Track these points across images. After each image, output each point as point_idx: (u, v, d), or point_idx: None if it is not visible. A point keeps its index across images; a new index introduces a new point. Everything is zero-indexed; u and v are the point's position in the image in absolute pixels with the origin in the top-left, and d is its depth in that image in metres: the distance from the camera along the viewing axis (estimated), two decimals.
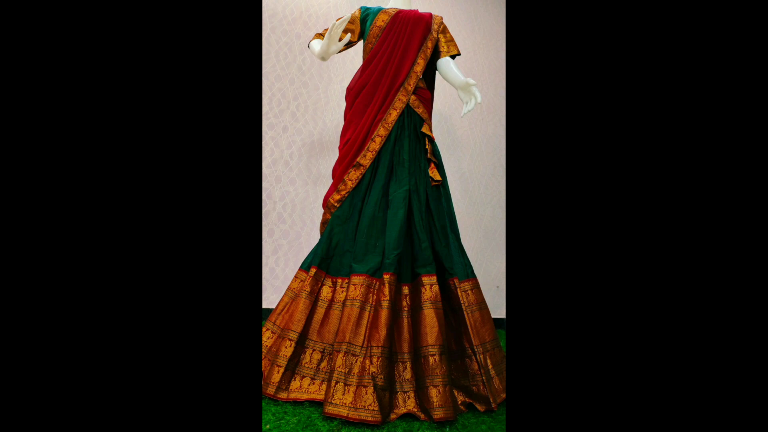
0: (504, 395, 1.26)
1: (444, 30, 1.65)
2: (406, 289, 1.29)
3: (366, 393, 1.08)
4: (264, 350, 1.30)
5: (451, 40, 1.65)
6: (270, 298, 2.01)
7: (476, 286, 1.42)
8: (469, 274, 1.43)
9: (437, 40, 1.62)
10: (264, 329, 1.36)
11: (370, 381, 1.09)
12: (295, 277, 1.40)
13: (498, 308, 2.38)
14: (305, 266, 1.39)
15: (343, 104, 2.20)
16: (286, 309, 1.34)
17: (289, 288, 1.39)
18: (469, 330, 1.30)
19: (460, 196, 2.41)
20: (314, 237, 2.11)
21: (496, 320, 2.40)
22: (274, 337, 1.31)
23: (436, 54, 1.64)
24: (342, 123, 1.74)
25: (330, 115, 2.22)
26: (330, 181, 2.13)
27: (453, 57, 1.64)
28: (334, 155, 2.15)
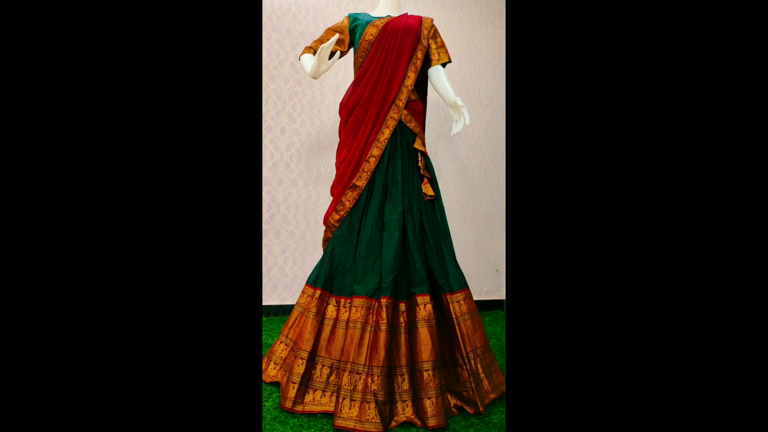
0: (493, 396, 1.43)
1: (434, 35, 1.62)
2: (403, 306, 1.42)
3: (369, 408, 1.25)
4: (279, 362, 1.48)
5: (442, 45, 1.63)
6: (282, 295, 2.18)
7: (468, 296, 1.55)
8: (461, 285, 1.54)
9: (428, 48, 1.60)
10: (278, 341, 1.53)
11: (372, 397, 1.26)
12: (303, 292, 1.54)
13: (498, 290, 2.53)
14: (311, 281, 1.52)
15: (338, 99, 2.19)
16: (296, 323, 1.50)
17: (297, 303, 1.54)
18: (462, 338, 1.44)
19: (458, 183, 2.46)
20: (319, 235, 2.22)
21: (496, 301, 2.57)
22: (287, 349, 1.49)
23: (427, 62, 1.62)
24: (338, 120, 1.75)
25: (326, 113, 2.23)
26: (329, 180, 2.20)
27: (444, 65, 1.63)
28: (333, 153, 2.19)
